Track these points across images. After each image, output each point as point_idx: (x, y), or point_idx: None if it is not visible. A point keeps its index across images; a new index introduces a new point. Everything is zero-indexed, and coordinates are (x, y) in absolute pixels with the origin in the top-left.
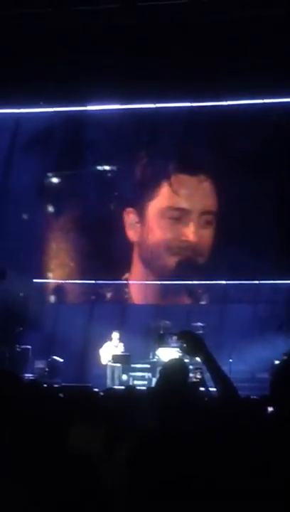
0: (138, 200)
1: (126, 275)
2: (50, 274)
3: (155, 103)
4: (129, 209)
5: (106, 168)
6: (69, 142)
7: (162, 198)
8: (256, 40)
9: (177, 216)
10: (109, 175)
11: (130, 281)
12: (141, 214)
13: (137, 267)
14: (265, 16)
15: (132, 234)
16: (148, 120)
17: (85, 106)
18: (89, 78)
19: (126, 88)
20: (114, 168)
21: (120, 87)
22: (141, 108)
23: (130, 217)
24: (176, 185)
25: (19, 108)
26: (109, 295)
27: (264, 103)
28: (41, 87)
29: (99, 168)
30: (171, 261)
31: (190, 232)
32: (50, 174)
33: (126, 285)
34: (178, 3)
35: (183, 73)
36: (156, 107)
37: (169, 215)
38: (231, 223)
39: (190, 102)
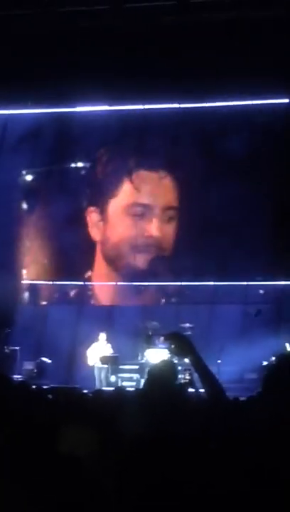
0: (100, 199)
1: (89, 273)
2: (24, 271)
3: (143, 104)
4: (91, 208)
5: (79, 165)
6: (43, 140)
7: (124, 195)
8: (244, 42)
9: (140, 212)
10: (81, 172)
11: (119, 283)
12: (103, 212)
13: (100, 265)
14: (253, 17)
15: (95, 233)
16: (112, 119)
17: (74, 107)
18: (74, 79)
19: (114, 89)
20: (82, 165)
21: (108, 88)
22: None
23: (92, 216)
24: (137, 181)
25: (7, 109)
26: (72, 295)
27: (252, 104)
28: (29, 88)
29: (72, 165)
30: (137, 258)
31: (153, 228)
32: (24, 172)
33: (90, 285)
34: (166, 4)
35: (170, 74)
36: (144, 109)
37: (132, 211)
38: (193, 219)
39: (178, 103)
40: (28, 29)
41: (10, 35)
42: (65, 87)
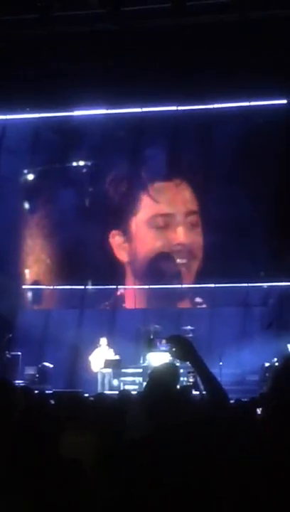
0: (121, 220)
1: (122, 291)
2: (26, 271)
3: (141, 107)
4: (114, 231)
5: (81, 163)
6: (43, 142)
7: (144, 210)
8: (242, 43)
9: (163, 223)
10: (84, 170)
11: (119, 287)
12: (126, 233)
13: (130, 283)
14: (251, 19)
15: (122, 255)
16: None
17: (72, 111)
18: (74, 83)
19: (112, 93)
20: (84, 163)
21: (106, 92)
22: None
23: (116, 239)
24: (154, 193)
25: (5, 114)
26: (102, 302)
27: (250, 105)
28: (27, 93)
29: (74, 163)
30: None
31: (181, 235)
32: (25, 171)
33: (120, 293)
34: (162, 7)
35: (168, 77)
36: (142, 111)
37: (155, 224)
38: (215, 225)
39: (176, 105)
40: (23, 34)
41: (6, 40)
42: (63, 91)
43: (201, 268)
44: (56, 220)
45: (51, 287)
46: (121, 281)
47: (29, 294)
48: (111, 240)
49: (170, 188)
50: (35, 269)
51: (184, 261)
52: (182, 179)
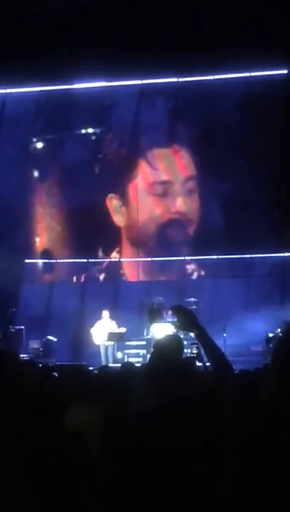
0: (118, 184)
1: (115, 254)
2: (36, 239)
3: (141, 79)
4: (111, 195)
5: (90, 131)
6: (53, 110)
7: (143, 176)
8: (243, 13)
9: (162, 191)
10: (93, 137)
11: (122, 259)
12: (124, 197)
13: (126, 248)
14: None
15: (118, 219)
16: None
17: (72, 84)
18: (74, 56)
19: (113, 64)
20: (93, 131)
21: (106, 65)
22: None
23: (113, 203)
24: (153, 160)
25: (5, 88)
26: (101, 274)
27: (250, 76)
28: (27, 66)
29: (83, 131)
30: (164, 237)
31: (179, 203)
32: (34, 139)
33: (119, 263)
34: None
35: (168, 48)
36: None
37: (154, 191)
38: (214, 194)
39: (176, 77)
40: (23, 6)
41: (5, 12)
42: (63, 64)
43: (202, 237)
44: (65, 188)
45: (54, 261)
46: (118, 246)
47: (33, 267)
48: (108, 203)
49: (168, 155)
50: (45, 237)
51: (182, 230)
52: (181, 146)
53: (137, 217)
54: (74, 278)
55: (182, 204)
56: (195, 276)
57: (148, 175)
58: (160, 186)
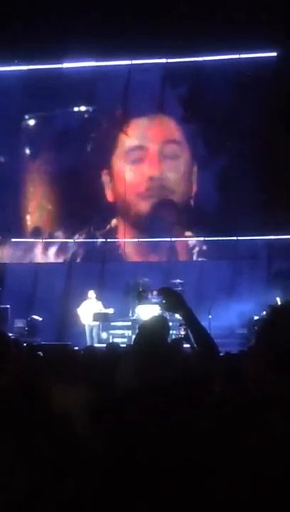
0: (106, 159)
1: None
2: (28, 217)
3: (130, 59)
4: (105, 171)
5: (82, 109)
6: (43, 89)
7: (121, 147)
8: None
9: (137, 156)
10: (86, 116)
11: (109, 240)
12: (111, 171)
13: (120, 227)
14: None
15: (109, 194)
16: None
17: (61, 63)
18: (63, 35)
19: (101, 45)
20: (86, 109)
21: (95, 44)
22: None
23: (104, 178)
24: (130, 130)
25: None
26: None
27: (240, 58)
28: (15, 45)
29: (75, 109)
30: (145, 204)
31: (154, 169)
32: (26, 116)
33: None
34: None
35: (158, 29)
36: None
37: (130, 158)
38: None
39: (165, 58)
40: None
41: None
42: (52, 44)
43: (192, 212)
44: (57, 166)
45: (40, 240)
46: (108, 224)
47: (19, 247)
48: (102, 179)
49: (144, 123)
50: (36, 215)
51: (157, 199)
52: (158, 113)
53: (125, 191)
54: (62, 258)
55: (160, 169)
56: (194, 255)
57: (124, 143)
58: (134, 152)
